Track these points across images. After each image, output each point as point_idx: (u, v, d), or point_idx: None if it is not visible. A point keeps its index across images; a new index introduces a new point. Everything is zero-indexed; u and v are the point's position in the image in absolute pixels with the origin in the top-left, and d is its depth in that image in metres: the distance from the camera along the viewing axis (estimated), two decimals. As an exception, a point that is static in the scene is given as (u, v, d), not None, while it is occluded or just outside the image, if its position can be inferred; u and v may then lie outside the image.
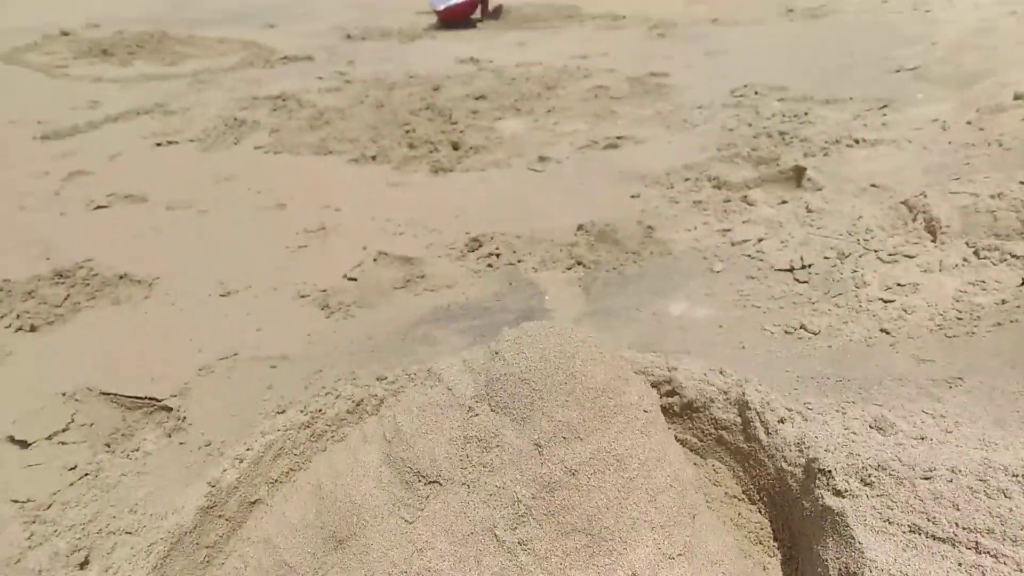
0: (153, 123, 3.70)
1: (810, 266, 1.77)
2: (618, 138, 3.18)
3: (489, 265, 2.10)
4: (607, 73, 4.31)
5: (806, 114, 3.03)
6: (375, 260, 2.19)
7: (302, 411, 1.45)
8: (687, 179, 2.54)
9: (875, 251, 1.75)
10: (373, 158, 3.21)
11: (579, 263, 2.05)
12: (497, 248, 2.15)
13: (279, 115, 3.77)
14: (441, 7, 6.07)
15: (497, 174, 2.94)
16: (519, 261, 2.09)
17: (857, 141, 2.52)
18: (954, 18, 4.68)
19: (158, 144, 3.39)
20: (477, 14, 6.40)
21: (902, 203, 1.97)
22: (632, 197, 2.46)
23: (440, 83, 4.26)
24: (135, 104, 4.00)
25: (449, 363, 1.16)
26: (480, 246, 2.23)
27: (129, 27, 5.64)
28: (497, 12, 6.49)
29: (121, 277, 2.19)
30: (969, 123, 2.52)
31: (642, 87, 3.95)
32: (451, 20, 6.12)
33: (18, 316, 2.02)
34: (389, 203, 2.70)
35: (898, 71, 3.53)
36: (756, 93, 3.49)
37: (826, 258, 1.78)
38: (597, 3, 6.67)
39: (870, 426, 1.20)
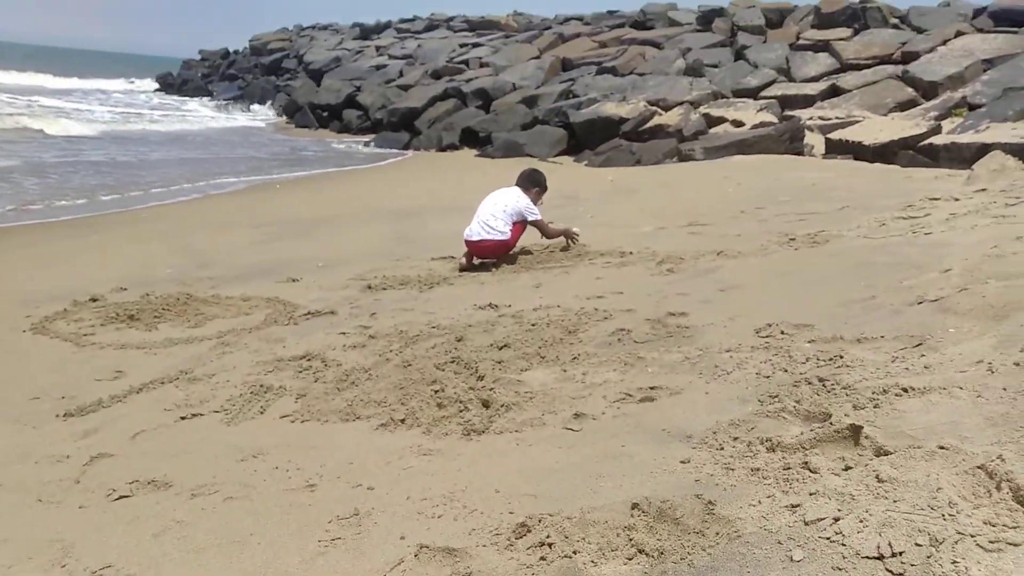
0: (177, 392, 3.67)
1: (901, 554, 1.61)
2: (651, 388, 3.12)
3: (542, 558, 1.93)
4: (626, 314, 4.36)
5: (841, 356, 2.99)
6: (416, 555, 2.03)
7: None
8: (736, 438, 2.43)
9: (971, 535, 1.60)
10: (402, 421, 3.13)
11: (641, 551, 1.89)
12: (548, 536, 2.00)
13: (304, 378, 3.76)
14: (476, 238, 6.31)
15: (533, 435, 2.84)
16: (575, 552, 1.93)
17: (906, 390, 2.45)
18: (957, 240, 4.83)
19: (182, 418, 3.34)
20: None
21: (979, 468, 1.85)
22: (682, 463, 2.35)
23: (463, 332, 4.29)
24: (159, 372, 4.00)
25: None
26: (528, 531, 2.08)
27: (156, 289, 5.84)
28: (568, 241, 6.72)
29: (142, 589, 2.02)
30: (1017, 365, 2.47)
31: (664, 329, 3.97)
32: (482, 255, 6.35)
33: (26, 647, 1.83)
34: (424, 476, 2.58)
35: (920, 303, 3.55)
36: (783, 333, 3.48)
37: (918, 544, 1.62)
38: (603, 241, 6.97)
39: None
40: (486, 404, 3.19)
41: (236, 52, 38.75)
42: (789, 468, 2.13)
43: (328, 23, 38.62)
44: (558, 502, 2.22)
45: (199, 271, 6.59)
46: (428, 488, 2.47)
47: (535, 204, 6.65)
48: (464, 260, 6.41)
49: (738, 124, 15.61)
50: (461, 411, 3.16)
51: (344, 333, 4.55)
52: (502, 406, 3.14)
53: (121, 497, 2.60)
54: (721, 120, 16.13)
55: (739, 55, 19.73)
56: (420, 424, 3.08)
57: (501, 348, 3.95)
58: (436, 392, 3.33)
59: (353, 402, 3.37)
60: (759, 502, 1.99)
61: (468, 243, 6.42)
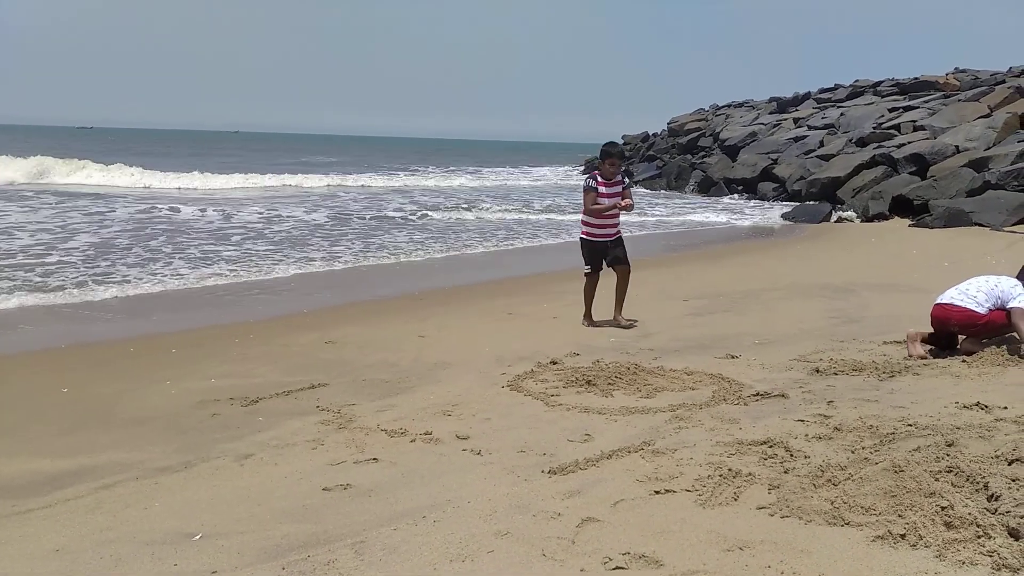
0: (644, 464, 3.76)
1: None
2: None
3: None
4: None
5: None
6: None
7: None
8: None
9: None
10: (902, 536, 2.76)
11: None
12: None
13: (772, 467, 3.57)
14: (945, 300, 5.66)
15: (1099, 590, 2.26)
16: None
17: None
18: None
19: (656, 492, 3.39)
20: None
21: None
22: None
23: (951, 436, 3.72)
24: (623, 440, 4.16)
25: None
26: None
27: (603, 356, 6.20)
28: None
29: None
30: None
31: None
32: (945, 321, 5.64)
33: None
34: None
35: None
36: None
37: None
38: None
39: None
40: (1015, 535, 2.66)
41: (655, 135, 40.88)
42: None
43: (743, 100, 38.83)
44: None
45: (640, 341, 6.87)
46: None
47: None
48: (913, 333, 5.70)
49: None
50: (979, 537, 2.68)
51: (802, 420, 4.27)
52: (1040, 541, 2.59)
53: (617, 568, 2.68)
54: None
55: None
56: (927, 544, 2.68)
57: (1011, 463, 3.31)
58: (942, 509, 2.88)
59: (836, 503, 3.08)
60: None
61: (935, 307, 5.74)
